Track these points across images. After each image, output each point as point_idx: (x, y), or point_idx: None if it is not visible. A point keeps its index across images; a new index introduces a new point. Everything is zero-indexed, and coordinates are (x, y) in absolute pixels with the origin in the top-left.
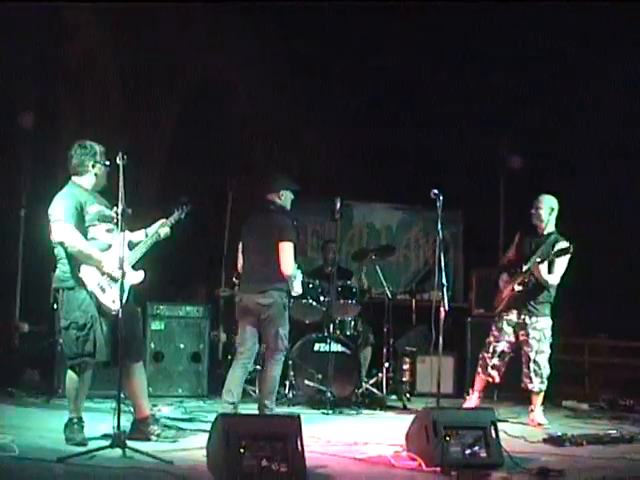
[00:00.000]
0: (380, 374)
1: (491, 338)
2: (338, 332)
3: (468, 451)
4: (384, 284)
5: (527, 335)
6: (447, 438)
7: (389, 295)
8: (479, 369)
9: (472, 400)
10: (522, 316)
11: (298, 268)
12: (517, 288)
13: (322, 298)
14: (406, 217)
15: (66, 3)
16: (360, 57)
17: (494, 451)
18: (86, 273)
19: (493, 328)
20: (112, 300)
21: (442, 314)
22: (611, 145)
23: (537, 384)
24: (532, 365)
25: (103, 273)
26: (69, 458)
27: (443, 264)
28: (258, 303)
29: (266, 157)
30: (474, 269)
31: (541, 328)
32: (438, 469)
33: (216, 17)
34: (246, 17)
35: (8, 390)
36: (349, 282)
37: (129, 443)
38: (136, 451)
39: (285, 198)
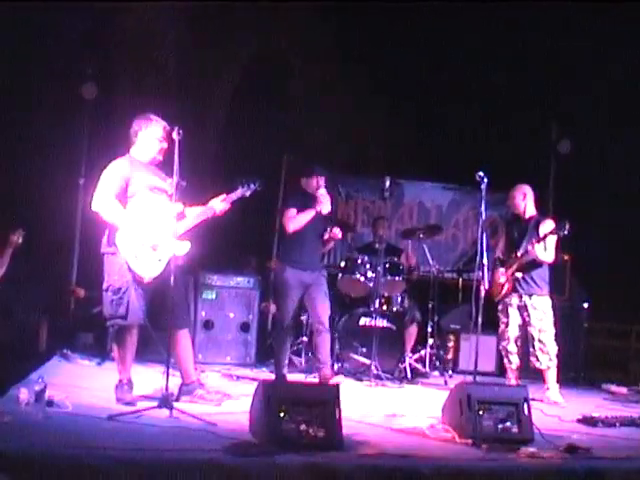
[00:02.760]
0: (424, 350)
1: (502, 326)
2: (384, 308)
3: (500, 426)
4: (430, 262)
5: (529, 316)
6: (480, 412)
7: (434, 273)
8: (504, 360)
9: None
10: (523, 298)
11: None
12: (517, 274)
13: (370, 274)
14: (456, 197)
15: None
16: (410, 40)
17: (525, 427)
18: (121, 240)
19: (501, 316)
20: (145, 268)
21: (482, 293)
22: None
23: (545, 361)
24: (537, 344)
25: (140, 242)
26: (118, 416)
27: (485, 245)
28: None
29: (320, 135)
30: None
31: (541, 307)
32: (470, 441)
33: None
34: None
35: (63, 352)
36: (396, 259)
37: (176, 405)
38: (182, 412)
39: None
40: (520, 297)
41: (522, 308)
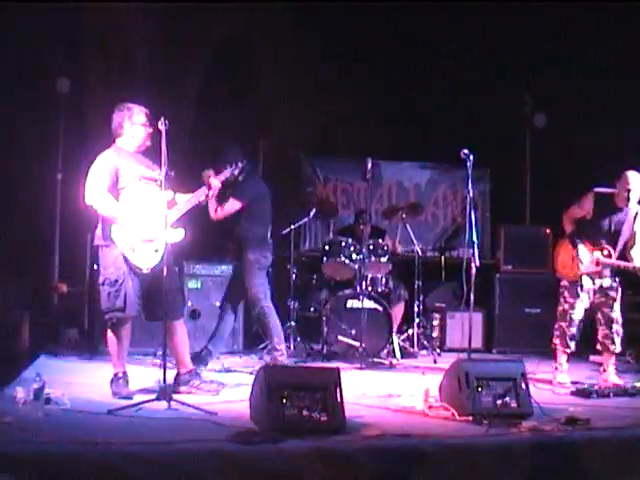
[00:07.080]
0: (411, 330)
1: (566, 306)
2: (370, 289)
3: (499, 401)
4: (414, 242)
5: (605, 296)
6: (479, 389)
7: (419, 252)
8: (557, 340)
9: (563, 376)
10: (596, 281)
11: None
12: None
13: (354, 256)
14: (434, 176)
15: None
16: (389, 17)
17: (524, 401)
18: (117, 233)
19: (567, 295)
20: (142, 260)
21: (473, 270)
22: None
23: (619, 344)
24: (615, 326)
25: (136, 235)
26: (118, 410)
27: (474, 221)
28: None
29: (296, 118)
30: (501, 226)
31: (617, 287)
32: (470, 418)
33: None
34: None
35: (51, 348)
36: (380, 240)
37: (174, 396)
38: (181, 403)
39: None
40: (593, 281)
41: (594, 290)
